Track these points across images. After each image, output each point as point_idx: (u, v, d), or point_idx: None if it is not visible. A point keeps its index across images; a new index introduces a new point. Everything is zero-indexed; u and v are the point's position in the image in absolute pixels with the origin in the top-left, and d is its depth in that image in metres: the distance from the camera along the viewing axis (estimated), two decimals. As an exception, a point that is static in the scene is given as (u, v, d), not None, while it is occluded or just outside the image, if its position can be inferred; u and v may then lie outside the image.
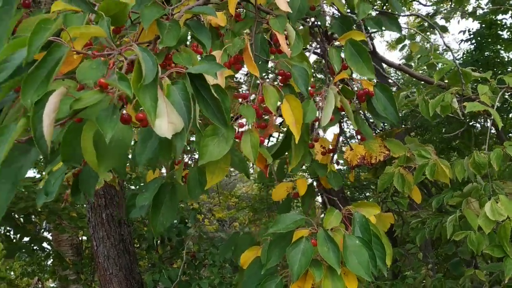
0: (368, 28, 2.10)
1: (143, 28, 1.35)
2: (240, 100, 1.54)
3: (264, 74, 1.76)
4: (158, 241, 5.52)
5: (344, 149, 2.18)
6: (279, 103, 1.54)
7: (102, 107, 1.01)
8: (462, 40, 8.23)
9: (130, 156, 1.72)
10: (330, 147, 1.89)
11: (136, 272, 5.07)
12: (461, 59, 8.27)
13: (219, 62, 1.51)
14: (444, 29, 4.95)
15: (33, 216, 6.69)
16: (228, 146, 1.36)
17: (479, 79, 2.12)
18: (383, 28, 2.05)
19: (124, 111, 1.05)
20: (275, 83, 1.63)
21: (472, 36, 7.36)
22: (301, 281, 1.43)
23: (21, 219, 6.59)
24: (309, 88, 1.62)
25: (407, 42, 4.65)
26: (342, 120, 1.84)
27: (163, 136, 0.99)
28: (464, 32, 7.65)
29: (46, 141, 0.87)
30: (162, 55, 1.41)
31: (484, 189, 2.02)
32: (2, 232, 6.78)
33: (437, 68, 2.48)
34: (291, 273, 1.39)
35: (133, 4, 1.44)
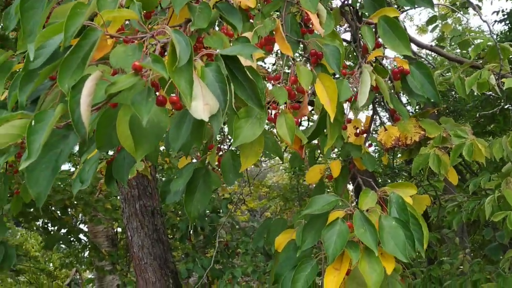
0: (400, 6, 2.04)
1: (174, 12, 1.34)
2: (272, 82, 1.52)
3: (296, 55, 1.73)
4: (191, 231, 5.58)
5: (378, 131, 2.14)
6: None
7: (137, 91, 1.01)
8: (495, 21, 7.97)
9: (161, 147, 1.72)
10: (363, 129, 1.85)
11: (170, 261, 5.14)
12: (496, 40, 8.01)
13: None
14: (477, 8, 4.79)
15: (69, 209, 6.87)
16: (261, 128, 1.35)
17: (519, 54, 2.05)
18: (416, 6, 1.99)
19: (159, 94, 1.05)
20: (307, 64, 1.60)
21: (506, 16, 7.12)
22: (337, 262, 1.40)
23: (58, 211, 6.77)
24: (341, 67, 1.59)
25: (438, 22, 4.52)
26: (376, 101, 1.80)
27: (200, 118, 0.99)
28: (497, 12, 7.39)
29: (84, 125, 0.88)
30: (193, 38, 1.41)
31: (525, 168, 1.95)
32: (40, 225, 6.98)
33: (472, 46, 2.40)
34: (327, 255, 1.37)
35: (163, -12, 1.44)
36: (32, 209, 6.68)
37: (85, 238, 7.06)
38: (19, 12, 1.17)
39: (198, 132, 1.58)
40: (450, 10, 4.94)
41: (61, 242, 6.46)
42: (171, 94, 1.13)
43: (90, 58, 0.95)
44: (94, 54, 1.04)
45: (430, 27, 4.76)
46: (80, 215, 7.40)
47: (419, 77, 1.63)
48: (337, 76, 1.64)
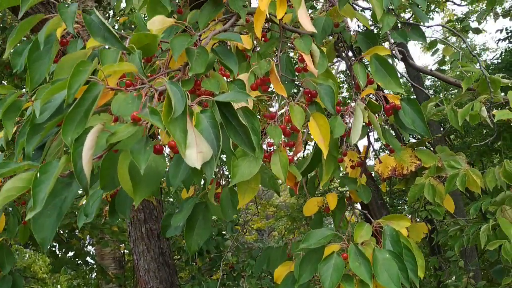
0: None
1: (173, 57, 1.42)
2: (268, 120, 1.59)
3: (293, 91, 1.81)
4: (197, 253, 5.61)
5: (374, 161, 2.19)
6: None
7: (136, 139, 1.08)
8: (499, 39, 8.04)
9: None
10: (359, 160, 1.91)
11: (176, 284, 5.17)
12: (500, 58, 8.06)
13: (246, 84, 1.57)
14: (477, 31, 4.87)
15: (76, 231, 6.93)
16: (258, 166, 1.41)
17: (510, 85, 2.10)
18: (408, 39, 2.06)
19: (158, 141, 1.11)
20: (301, 101, 1.67)
21: (510, 34, 7.19)
22: (333, 296, 1.45)
23: (66, 234, 6.83)
24: (335, 105, 1.65)
25: (439, 46, 4.59)
26: (369, 133, 1.86)
27: (193, 166, 1.05)
28: (501, 31, 7.47)
29: (85, 176, 0.94)
30: (191, 82, 1.48)
31: (520, 197, 1.99)
32: (48, 248, 7.00)
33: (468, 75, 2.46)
34: (324, 289, 1.42)
35: (163, 35, 1.52)
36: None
37: (92, 261, 7.11)
38: (27, 62, 1.26)
39: (198, 171, 1.65)
40: (451, 33, 5.02)
41: (68, 265, 6.50)
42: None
43: (93, 111, 1.02)
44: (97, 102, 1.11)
45: (432, 50, 4.83)
46: (88, 237, 7.46)
47: (410, 113, 1.69)
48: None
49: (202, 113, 1.22)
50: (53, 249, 7.09)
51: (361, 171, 1.89)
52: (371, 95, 1.90)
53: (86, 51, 1.31)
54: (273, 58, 1.63)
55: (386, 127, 1.80)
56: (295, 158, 1.70)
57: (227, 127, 1.25)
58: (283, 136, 1.52)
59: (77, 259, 6.75)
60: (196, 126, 1.18)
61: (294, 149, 1.56)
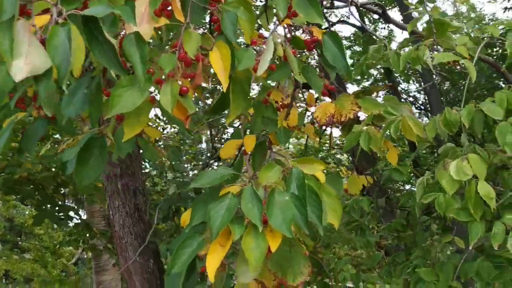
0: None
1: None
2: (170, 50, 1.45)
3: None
4: (174, 211, 5.57)
5: (314, 108, 2.06)
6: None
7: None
8: (506, 8, 7.70)
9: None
10: (284, 102, 1.77)
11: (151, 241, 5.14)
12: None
13: (147, 9, 1.43)
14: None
15: (61, 188, 6.94)
16: (142, 97, 1.29)
17: (461, 29, 1.93)
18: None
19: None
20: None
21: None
22: (223, 239, 1.34)
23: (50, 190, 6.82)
24: (252, 37, 1.51)
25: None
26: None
27: (14, 78, 0.92)
28: (508, -1, 7.15)
29: None
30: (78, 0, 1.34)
31: (464, 150, 1.84)
32: (34, 203, 7.04)
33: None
34: (211, 230, 1.31)
35: None
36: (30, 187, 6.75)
37: (76, 216, 7.12)
38: None
39: (97, 102, 1.54)
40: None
41: (50, 218, 6.51)
42: None
43: None
44: None
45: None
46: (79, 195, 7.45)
47: (331, 48, 1.54)
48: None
49: (62, 26, 1.10)
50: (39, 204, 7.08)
51: (286, 112, 1.75)
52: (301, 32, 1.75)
53: None
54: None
55: (313, 65, 1.66)
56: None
57: (92, 43, 1.13)
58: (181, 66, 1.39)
59: (60, 214, 6.75)
60: (51, 39, 1.06)
61: (194, 80, 1.42)
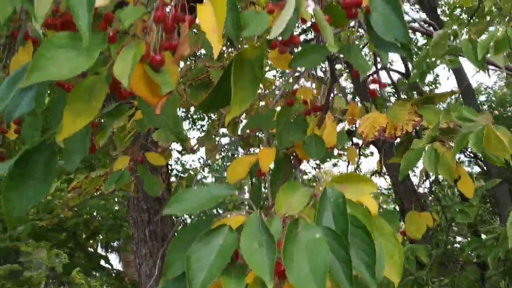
0: None
1: None
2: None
3: None
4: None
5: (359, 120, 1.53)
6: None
7: None
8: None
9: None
10: (318, 104, 1.25)
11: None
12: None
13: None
14: None
15: (95, 235, 6.65)
16: (90, 60, 0.82)
17: None
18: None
19: None
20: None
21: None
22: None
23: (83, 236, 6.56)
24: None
25: None
26: (335, 60, 1.21)
27: None
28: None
29: None
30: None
31: None
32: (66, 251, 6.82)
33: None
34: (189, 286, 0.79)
35: None
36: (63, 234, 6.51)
37: (108, 266, 6.74)
38: None
39: (40, 96, 1.08)
40: None
41: (78, 268, 6.20)
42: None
43: None
44: None
45: None
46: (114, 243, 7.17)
47: (382, 9, 1.03)
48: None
49: None
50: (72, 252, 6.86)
51: (320, 117, 1.23)
52: None
53: None
54: None
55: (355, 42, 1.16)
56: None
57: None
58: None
59: (90, 264, 6.42)
60: None
61: (176, 50, 0.94)
